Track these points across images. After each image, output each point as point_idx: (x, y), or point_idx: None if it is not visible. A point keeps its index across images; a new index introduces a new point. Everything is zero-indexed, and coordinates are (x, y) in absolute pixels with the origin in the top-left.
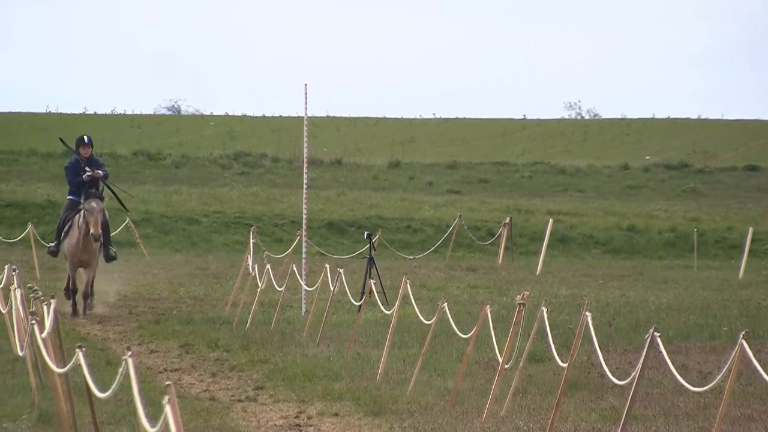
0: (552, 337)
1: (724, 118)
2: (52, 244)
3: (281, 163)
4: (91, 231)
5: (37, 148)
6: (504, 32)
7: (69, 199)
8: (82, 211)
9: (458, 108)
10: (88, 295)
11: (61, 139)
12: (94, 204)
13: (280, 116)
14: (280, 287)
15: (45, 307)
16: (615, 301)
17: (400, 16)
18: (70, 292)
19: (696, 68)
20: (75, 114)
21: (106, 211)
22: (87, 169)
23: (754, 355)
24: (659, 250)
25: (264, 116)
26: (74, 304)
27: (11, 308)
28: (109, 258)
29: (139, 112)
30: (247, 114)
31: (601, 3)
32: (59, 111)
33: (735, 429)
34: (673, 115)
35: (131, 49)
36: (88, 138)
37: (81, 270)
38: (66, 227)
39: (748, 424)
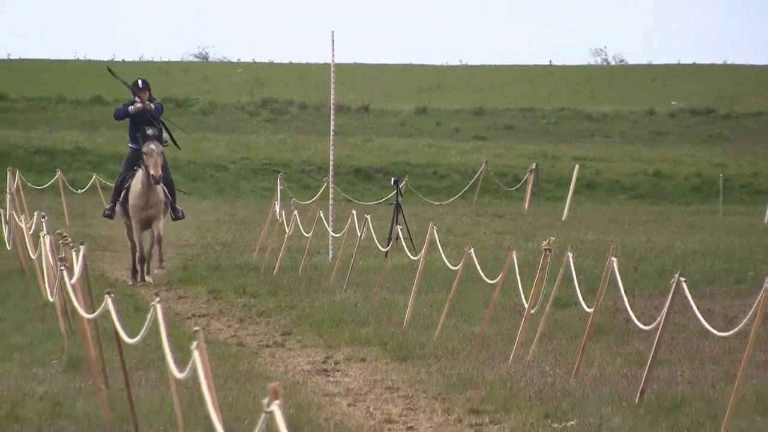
0: (578, 282)
1: (751, 63)
2: (109, 205)
3: (308, 109)
4: (151, 172)
5: (66, 95)
6: None
7: (129, 147)
8: (143, 154)
9: (485, 54)
10: (159, 254)
11: (109, 69)
12: (153, 146)
13: (308, 63)
14: (307, 233)
15: (74, 253)
16: (641, 246)
17: None
18: (139, 263)
19: (721, 12)
20: (103, 61)
21: (168, 165)
22: (137, 100)
23: None
24: (685, 195)
25: (291, 63)
26: (140, 270)
27: (41, 254)
28: (177, 216)
29: (167, 59)
30: (275, 61)
31: None
32: (87, 58)
33: (760, 373)
34: (698, 61)
35: None
36: (143, 81)
37: (146, 229)
38: (125, 186)
39: None
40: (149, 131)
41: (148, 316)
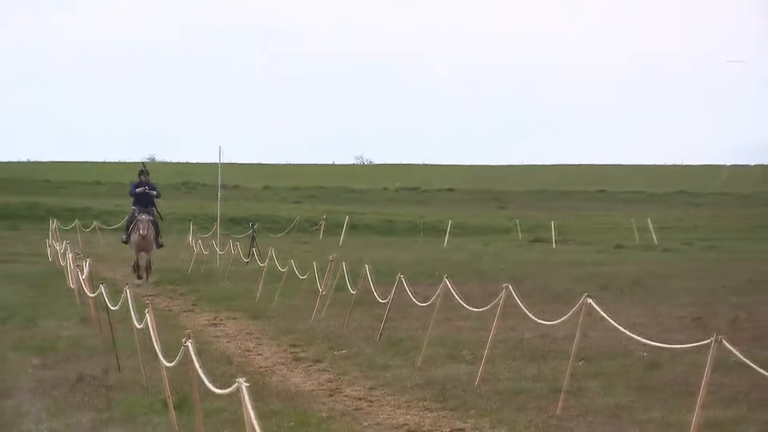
0: (348, 277)
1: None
2: (124, 236)
3: (207, 187)
4: (140, 233)
5: (79, 179)
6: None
7: (132, 207)
8: (136, 220)
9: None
10: (149, 268)
11: (143, 164)
12: (143, 216)
13: (198, 162)
14: (205, 251)
15: (84, 262)
16: (381, 258)
17: None
18: (136, 267)
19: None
20: (98, 161)
21: (155, 217)
22: (145, 188)
23: None
24: (404, 233)
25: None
26: (139, 275)
27: (67, 262)
28: (159, 246)
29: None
30: (198, 161)
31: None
32: (83, 159)
33: (441, 324)
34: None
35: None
36: (145, 167)
37: (143, 253)
38: (131, 226)
39: None
40: (143, 206)
41: (123, 294)
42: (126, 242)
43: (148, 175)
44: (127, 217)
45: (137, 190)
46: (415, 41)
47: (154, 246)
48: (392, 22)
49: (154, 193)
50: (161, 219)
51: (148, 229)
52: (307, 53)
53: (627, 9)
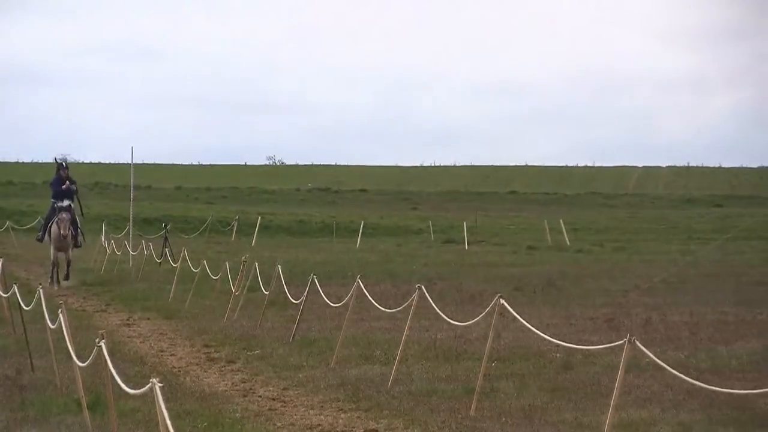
0: (260, 278)
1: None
2: (40, 233)
3: (120, 187)
4: (61, 232)
5: None
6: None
7: (52, 202)
8: (56, 219)
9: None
10: (68, 266)
11: (55, 159)
12: (63, 215)
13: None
14: (118, 252)
15: None
16: (293, 259)
17: None
18: (53, 265)
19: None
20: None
21: (75, 213)
22: (68, 183)
23: None
24: (317, 233)
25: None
26: (54, 276)
27: None
28: (79, 245)
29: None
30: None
31: None
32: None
33: (357, 320)
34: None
35: None
36: (66, 163)
37: (61, 253)
38: (49, 224)
39: None
40: (64, 203)
41: (36, 295)
42: (41, 240)
43: (68, 170)
44: (46, 213)
45: (63, 187)
46: (325, 42)
47: (73, 245)
48: (299, 20)
49: (74, 188)
50: (82, 214)
51: (68, 227)
52: (217, 52)
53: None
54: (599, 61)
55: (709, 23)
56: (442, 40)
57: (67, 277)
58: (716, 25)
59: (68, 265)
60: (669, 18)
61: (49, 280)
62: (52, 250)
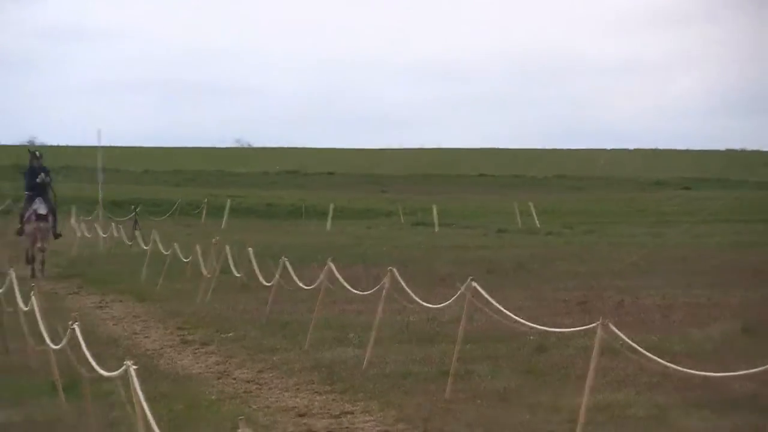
0: (232, 260)
1: None
2: (19, 227)
3: (89, 170)
4: (38, 245)
5: None
6: None
7: (27, 194)
8: (32, 211)
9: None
10: (43, 261)
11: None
12: (42, 225)
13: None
14: (89, 234)
15: None
16: (264, 242)
17: None
18: (29, 259)
19: None
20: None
21: (53, 202)
22: (42, 174)
23: None
24: (287, 216)
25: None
26: (33, 269)
27: None
28: (56, 236)
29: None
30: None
31: None
32: None
33: (329, 306)
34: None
35: None
36: (39, 153)
37: (38, 245)
38: (26, 216)
39: None
40: (41, 210)
41: (7, 278)
42: (21, 233)
43: (41, 159)
44: (23, 206)
45: (37, 180)
46: (293, 23)
47: (50, 237)
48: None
49: (48, 179)
50: (55, 202)
51: (46, 239)
52: (184, 34)
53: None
54: (566, 43)
55: (677, 3)
56: (412, 18)
57: (42, 270)
58: (684, 5)
59: (43, 257)
60: None
61: (31, 273)
62: (29, 244)
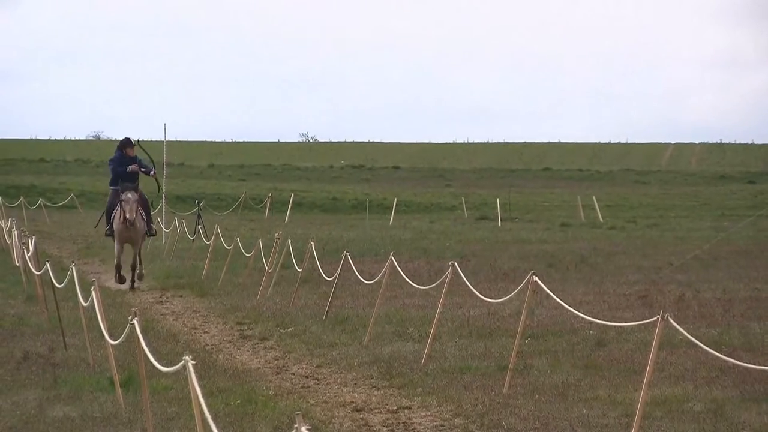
0: (293, 255)
1: None
2: (107, 227)
3: (157, 163)
4: (127, 216)
5: (28, 157)
6: None
7: (112, 189)
8: (121, 201)
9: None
10: (137, 265)
11: (137, 142)
12: (129, 195)
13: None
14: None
15: (29, 240)
16: (326, 236)
17: None
18: (116, 267)
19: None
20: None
21: (145, 195)
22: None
23: None
24: (349, 210)
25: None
26: (121, 276)
27: (13, 240)
28: (151, 234)
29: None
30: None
31: None
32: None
33: (389, 300)
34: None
35: None
36: (133, 140)
37: (128, 245)
38: (113, 213)
39: None
40: (127, 183)
41: (69, 272)
42: (110, 235)
43: (133, 147)
44: (108, 202)
45: (128, 168)
46: (365, 19)
47: (144, 235)
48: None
49: (147, 170)
50: (159, 193)
51: (136, 211)
52: (251, 29)
53: None
54: (631, 39)
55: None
56: (476, 15)
57: (140, 276)
58: (752, 1)
59: (135, 268)
60: None
61: (118, 280)
62: (116, 247)
